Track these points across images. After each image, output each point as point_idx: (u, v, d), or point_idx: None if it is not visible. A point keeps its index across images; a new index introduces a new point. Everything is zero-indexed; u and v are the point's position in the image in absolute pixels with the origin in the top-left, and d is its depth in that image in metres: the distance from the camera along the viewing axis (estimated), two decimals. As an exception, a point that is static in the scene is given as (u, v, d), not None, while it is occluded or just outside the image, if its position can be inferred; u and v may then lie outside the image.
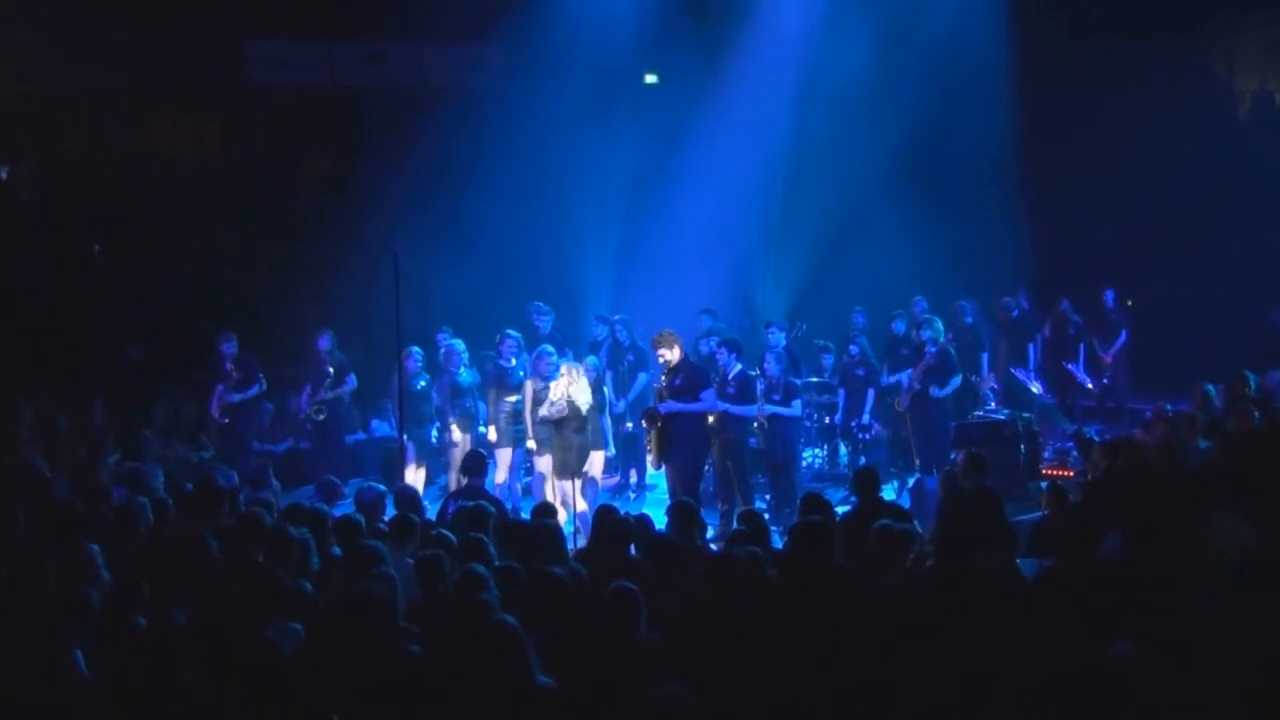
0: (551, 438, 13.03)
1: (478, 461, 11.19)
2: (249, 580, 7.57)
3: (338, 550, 8.62)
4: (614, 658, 6.47)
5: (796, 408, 13.71)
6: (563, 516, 12.28)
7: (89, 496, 9.96)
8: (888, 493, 13.89)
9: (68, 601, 6.79)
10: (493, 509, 9.64)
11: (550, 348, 13.94)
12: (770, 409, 13.16)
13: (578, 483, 12.86)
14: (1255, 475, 9.71)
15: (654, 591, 7.27)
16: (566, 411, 12.83)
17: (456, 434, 14.31)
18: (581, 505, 12.67)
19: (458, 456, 14.22)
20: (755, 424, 13.33)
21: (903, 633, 6.47)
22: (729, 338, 13.68)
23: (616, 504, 11.62)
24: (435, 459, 14.85)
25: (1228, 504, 8.46)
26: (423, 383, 14.54)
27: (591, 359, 14.11)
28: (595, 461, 13.49)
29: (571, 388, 12.88)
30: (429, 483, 14.77)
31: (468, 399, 14.31)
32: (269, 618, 6.57)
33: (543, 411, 13.03)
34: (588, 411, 13.06)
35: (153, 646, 6.36)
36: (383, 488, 10.73)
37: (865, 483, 10.09)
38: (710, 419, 12.86)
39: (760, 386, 13.27)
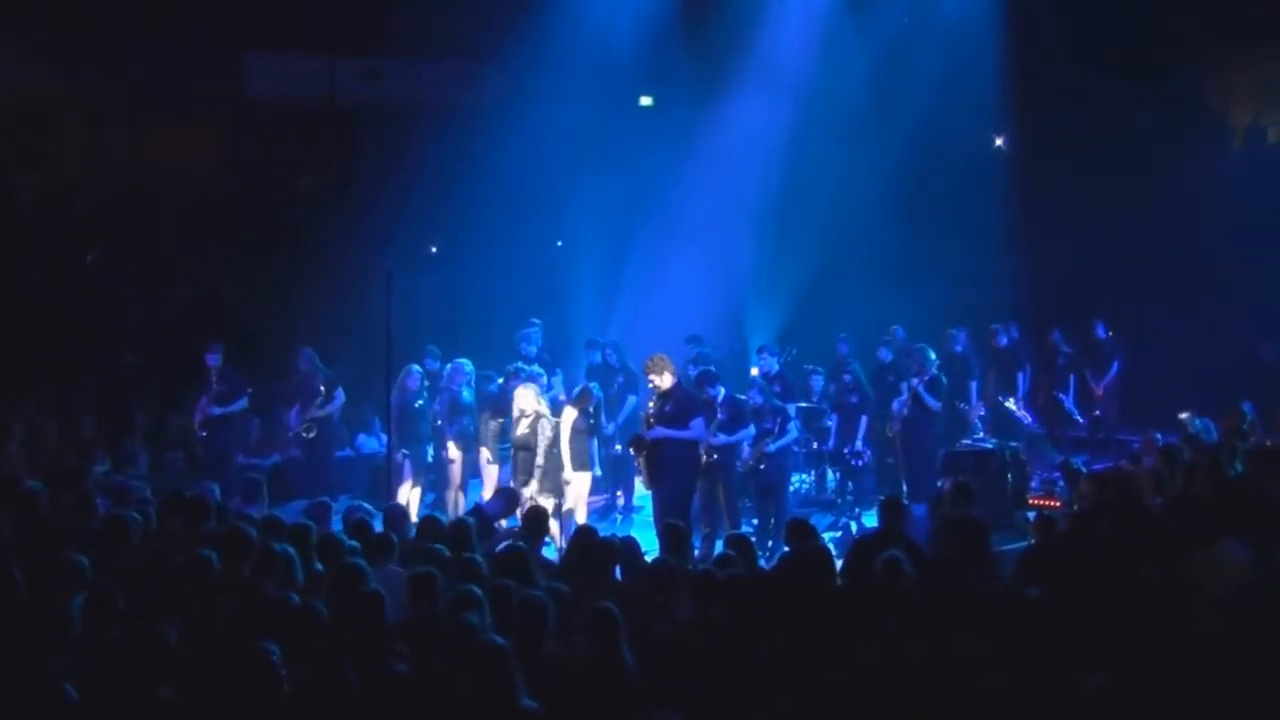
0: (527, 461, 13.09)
1: (506, 494, 11.29)
2: (236, 594, 7.56)
3: (320, 566, 8.61)
4: (598, 680, 6.47)
5: (792, 431, 13.75)
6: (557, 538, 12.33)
7: (74, 508, 9.93)
8: (872, 519, 13.96)
9: (49, 613, 6.77)
10: (473, 521, 9.67)
11: (540, 369, 14.05)
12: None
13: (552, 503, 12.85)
14: (1245, 506, 9.73)
15: (642, 614, 7.27)
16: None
17: (454, 451, 14.34)
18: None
19: (455, 474, 14.30)
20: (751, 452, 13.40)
21: (890, 656, 6.45)
22: (705, 370, 13.70)
23: (603, 525, 11.63)
24: (427, 476, 14.86)
25: (1219, 536, 8.46)
26: (420, 401, 14.55)
27: (594, 385, 14.16)
28: (583, 482, 13.51)
29: (542, 405, 12.96)
30: (419, 500, 14.78)
31: (467, 418, 14.35)
32: (257, 631, 6.56)
33: (523, 430, 13.02)
34: (575, 434, 13.10)
35: (131, 659, 6.33)
36: (369, 507, 10.73)
37: (891, 512, 10.07)
38: (703, 452, 12.88)
39: (748, 413, 13.35)
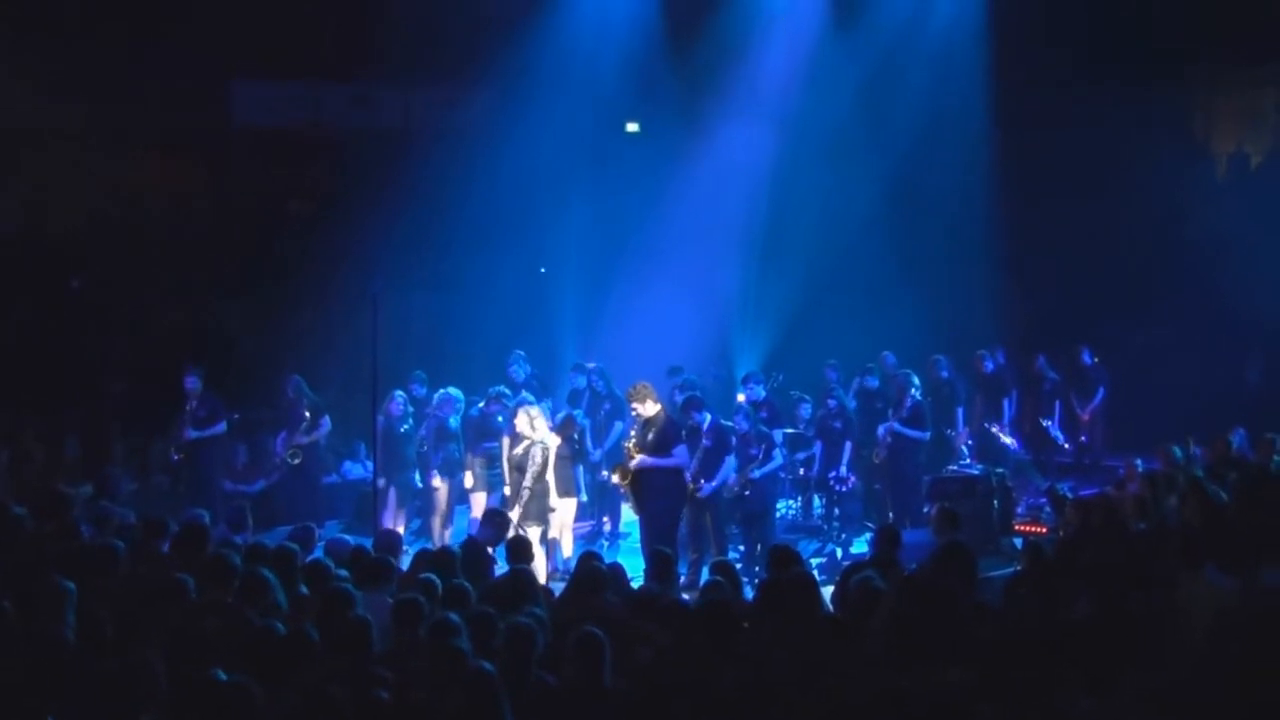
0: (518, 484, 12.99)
1: (496, 518, 11.18)
2: (218, 620, 7.52)
3: (304, 589, 8.58)
4: (582, 706, 6.46)
5: (777, 458, 13.76)
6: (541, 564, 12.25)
7: (59, 534, 9.88)
8: (859, 546, 13.97)
9: (41, 640, 6.74)
10: (457, 552, 9.64)
11: (530, 396, 14.02)
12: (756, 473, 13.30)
13: (538, 530, 12.78)
14: (1230, 532, 9.76)
15: (628, 640, 7.26)
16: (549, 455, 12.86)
17: (438, 480, 14.30)
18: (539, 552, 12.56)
19: (440, 501, 14.26)
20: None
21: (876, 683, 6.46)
22: (690, 396, 13.73)
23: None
24: (412, 503, 14.84)
25: (1204, 562, 8.49)
26: (405, 427, 14.52)
27: (578, 413, 14.15)
28: (568, 509, 13.47)
29: (538, 432, 12.87)
30: (404, 527, 14.73)
31: (453, 445, 14.32)
32: (238, 658, 6.54)
33: (518, 452, 12.94)
34: (559, 460, 13.05)
35: (116, 687, 6.31)
36: (352, 540, 10.70)
37: (885, 540, 10.04)
38: (690, 479, 12.87)
39: (734, 441, 13.35)
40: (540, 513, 12.80)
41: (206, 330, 19.10)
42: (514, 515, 12.50)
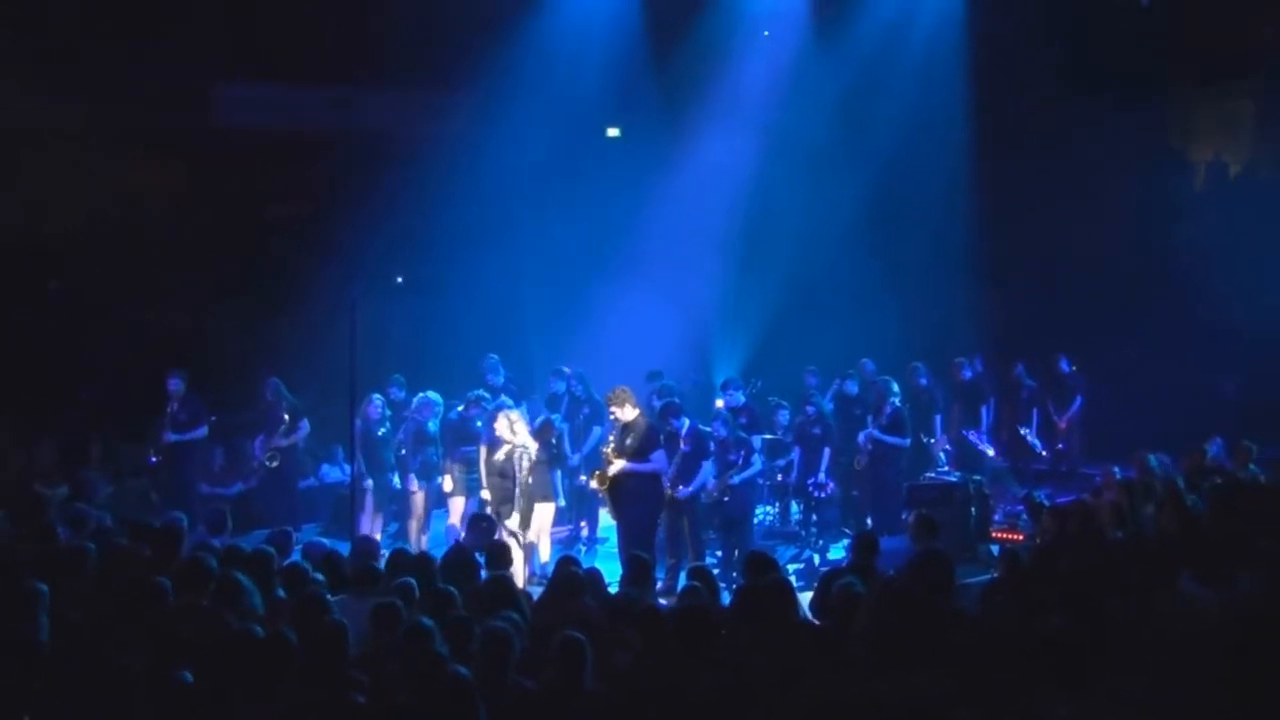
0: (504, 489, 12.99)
1: (482, 522, 11.16)
2: (192, 624, 7.51)
3: (281, 592, 8.57)
4: (559, 710, 6.46)
5: (756, 464, 13.78)
6: (521, 569, 12.25)
7: (35, 536, 9.85)
8: (836, 552, 13.99)
9: (13, 641, 6.72)
10: (434, 557, 9.66)
11: (509, 400, 14.03)
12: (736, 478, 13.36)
13: (525, 534, 12.81)
14: (1205, 541, 9.80)
15: (606, 645, 7.27)
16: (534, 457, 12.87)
17: (415, 484, 14.30)
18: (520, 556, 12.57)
19: (418, 505, 14.26)
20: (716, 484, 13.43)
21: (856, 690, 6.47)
22: (669, 402, 13.71)
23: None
24: (389, 507, 14.82)
25: (1180, 570, 8.52)
26: (383, 429, 14.52)
27: (556, 417, 14.15)
28: (546, 514, 13.47)
29: (519, 435, 12.88)
30: (381, 530, 14.71)
31: (431, 448, 14.32)
32: (214, 662, 6.53)
33: (499, 458, 12.98)
34: (536, 464, 13.05)
35: (96, 689, 6.29)
36: (328, 543, 10.68)
37: (864, 547, 10.05)
38: (668, 484, 12.88)
39: (712, 446, 13.36)
40: (524, 518, 12.83)
41: (190, 333, 19.03)
42: (512, 522, 12.56)
